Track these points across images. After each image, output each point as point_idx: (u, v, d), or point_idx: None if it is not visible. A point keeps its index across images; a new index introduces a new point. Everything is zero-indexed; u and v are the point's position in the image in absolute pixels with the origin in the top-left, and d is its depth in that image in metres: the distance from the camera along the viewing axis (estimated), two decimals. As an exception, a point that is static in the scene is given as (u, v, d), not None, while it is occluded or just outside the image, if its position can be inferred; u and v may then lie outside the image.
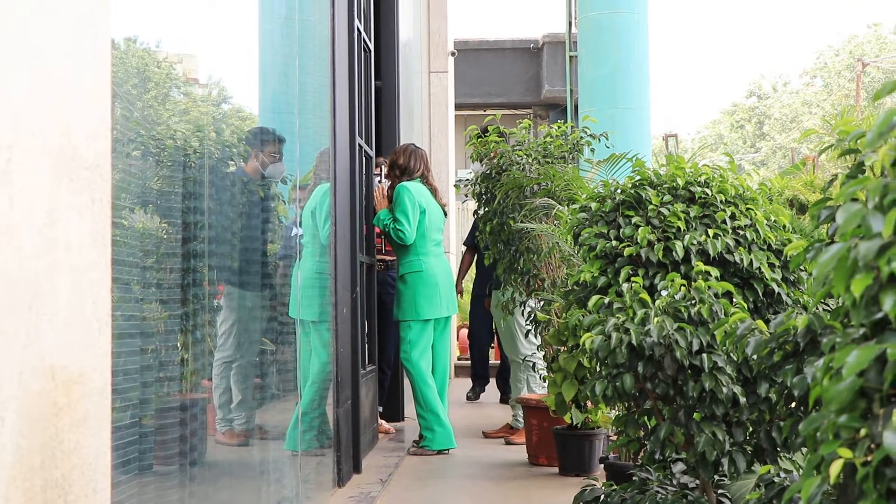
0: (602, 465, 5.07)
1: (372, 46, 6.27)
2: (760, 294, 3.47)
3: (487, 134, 5.84)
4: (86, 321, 1.53)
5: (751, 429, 2.87)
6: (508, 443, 6.36)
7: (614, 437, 5.20)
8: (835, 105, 36.15)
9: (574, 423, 5.17)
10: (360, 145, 5.54)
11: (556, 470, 5.36)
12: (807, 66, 43.42)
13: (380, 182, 6.34)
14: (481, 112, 17.85)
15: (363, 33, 5.83)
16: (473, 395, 9.06)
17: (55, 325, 1.43)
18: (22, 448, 1.32)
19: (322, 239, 4.83)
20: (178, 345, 2.99)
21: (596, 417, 5.19)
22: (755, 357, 2.36)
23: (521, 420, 6.43)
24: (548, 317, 5.31)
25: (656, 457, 3.12)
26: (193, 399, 3.07)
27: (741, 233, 3.53)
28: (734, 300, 3.01)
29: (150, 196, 2.78)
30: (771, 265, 3.52)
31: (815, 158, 13.41)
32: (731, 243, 3.45)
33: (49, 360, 1.41)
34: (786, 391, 2.48)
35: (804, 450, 3.13)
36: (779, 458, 2.86)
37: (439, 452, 5.92)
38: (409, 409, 7.64)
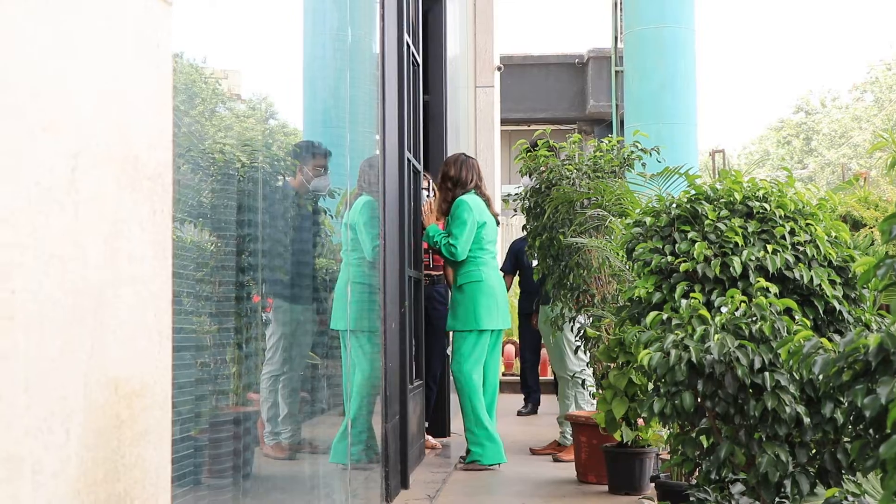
0: (653, 484, 5.00)
1: (420, 60, 6.27)
2: (821, 311, 3.39)
3: (537, 148, 5.81)
4: (147, 333, 1.51)
5: (814, 450, 2.80)
6: (557, 460, 6.29)
7: (665, 456, 5.12)
8: (885, 120, 35.65)
9: (624, 441, 5.10)
10: (408, 159, 5.53)
11: (606, 488, 5.28)
12: (857, 80, 42.88)
13: (428, 196, 6.31)
14: (525, 127, 17.82)
15: (412, 47, 5.83)
16: (526, 410, 9.02)
17: (118, 337, 1.41)
18: (86, 461, 1.30)
19: (367, 253, 4.80)
20: (228, 358, 2.98)
21: (646, 435, 5.12)
22: (821, 376, 2.30)
23: (569, 437, 6.36)
24: (598, 333, 5.25)
25: (712, 477, 3.05)
26: (243, 412, 3.06)
27: (801, 249, 3.46)
28: (796, 317, 2.94)
29: (199, 209, 2.78)
30: (832, 282, 3.44)
31: (866, 174, 13.21)
32: (791, 259, 3.38)
33: (112, 373, 1.39)
34: (854, 412, 2.41)
35: (871, 474, 3.06)
36: (843, 481, 2.78)
37: (489, 467, 5.87)
38: (455, 424, 7.60)
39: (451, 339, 7.19)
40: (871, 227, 9.65)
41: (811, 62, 68.60)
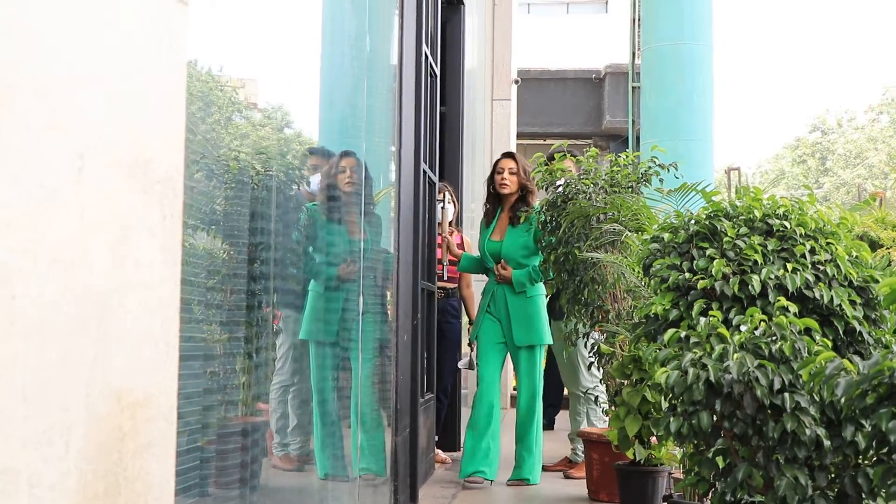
0: (665, 504, 4.92)
1: (438, 71, 6.23)
2: (840, 332, 3.32)
3: (553, 161, 5.75)
4: (154, 342, 1.46)
5: (833, 474, 2.73)
6: (567, 476, 6.22)
7: (678, 475, 5.04)
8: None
9: (637, 459, 5.02)
10: (424, 171, 5.48)
11: (617, 507, 5.21)
12: (873, 101, 42.69)
13: (443, 208, 6.25)
14: (541, 141, 17.76)
15: (430, 58, 5.79)
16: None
17: (123, 345, 1.36)
18: (86, 474, 1.25)
19: None
20: (237, 367, 2.94)
21: (659, 454, 5.04)
22: (844, 399, 2.23)
23: (581, 454, 6.28)
24: (612, 349, 5.18)
25: (727, 498, 2.98)
26: (252, 423, 3.01)
27: (821, 268, 3.39)
28: (816, 338, 2.88)
29: (211, 216, 2.73)
30: (852, 302, 3.37)
31: (882, 195, 13.15)
32: (811, 279, 3.32)
33: (116, 383, 1.34)
34: (878, 436, 2.34)
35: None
36: (863, 506, 2.71)
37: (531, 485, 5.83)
38: (466, 438, 7.51)
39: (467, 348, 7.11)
40: (888, 248, 9.55)
41: (828, 82, 68.35)
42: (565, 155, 5.77)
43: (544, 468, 6.55)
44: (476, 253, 6.32)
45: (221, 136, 2.99)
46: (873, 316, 3.43)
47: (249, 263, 2.90)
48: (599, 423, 6.16)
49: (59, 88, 1.21)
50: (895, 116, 38.39)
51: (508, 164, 5.96)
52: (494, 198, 6.04)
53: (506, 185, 5.90)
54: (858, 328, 3.31)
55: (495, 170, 6.01)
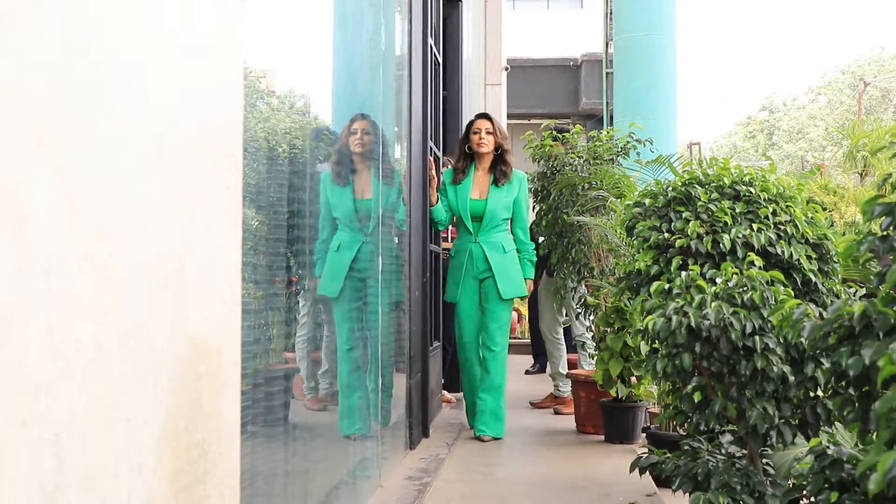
0: (644, 435, 4.96)
1: (440, 60, 6.19)
2: (799, 283, 3.33)
3: (544, 139, 5.74)
4: (221, 297, 1.46)
5: (796, 405, 2.75)
6: (557, 413, 6.26)
7: (654, 410, 5.08)
8: (837, 119, 35.50)
9: (619, 397, 5.06)
10: (430, 147, 5.46)
11: (602, 437, 5.25)
12: (813, 84, 42.56)
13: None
14: (526, 121, 17.69)
15: (434, 48, 5.75)
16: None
17: (197, 299, 1.36)
18: (171, 412, 1.26)
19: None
20: (275, 321, 2.94)
21: (639, 392, 5.08)
22: (808, 340, 2.24)
23: (562, 389, 6.34)
24: (597, 301, 5.20)
25: (702, 428, 3.00)
26: (288, 369, 3.03)
27: (782, 227, 3.40)
28: (781, 288, 2.88)
29: (247, 189, 2.71)
30: (808, 257, 3.39)
31: (825, 165, 13.15)
32: (773, 237, 3.32)
33: (192, 332, 1.34)
34: (837, 371, 2.35)
35: (838, 424, 3.02)
36: (820, 432, 2.74)
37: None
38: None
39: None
40: (830, 211, 9.55)
41: (775, 67, 68.13)
42: (551, 133, 5.75)
43: (533, 405, 6.61)
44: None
45: (249, 119, 2.97)
46: (826, 269, 3.44)
47: (279, 230, 2.90)
48: (587, 366, 6.20)
49: (140, 79, 1.20)
50: (832, 97, 38.31)
51: (485, 124, 5.38)
52: (468, 157, 5.44)
53: (484, 144, 5.32)
54: (814, 279, 3.32)
55: (471, 130, 5.39)
